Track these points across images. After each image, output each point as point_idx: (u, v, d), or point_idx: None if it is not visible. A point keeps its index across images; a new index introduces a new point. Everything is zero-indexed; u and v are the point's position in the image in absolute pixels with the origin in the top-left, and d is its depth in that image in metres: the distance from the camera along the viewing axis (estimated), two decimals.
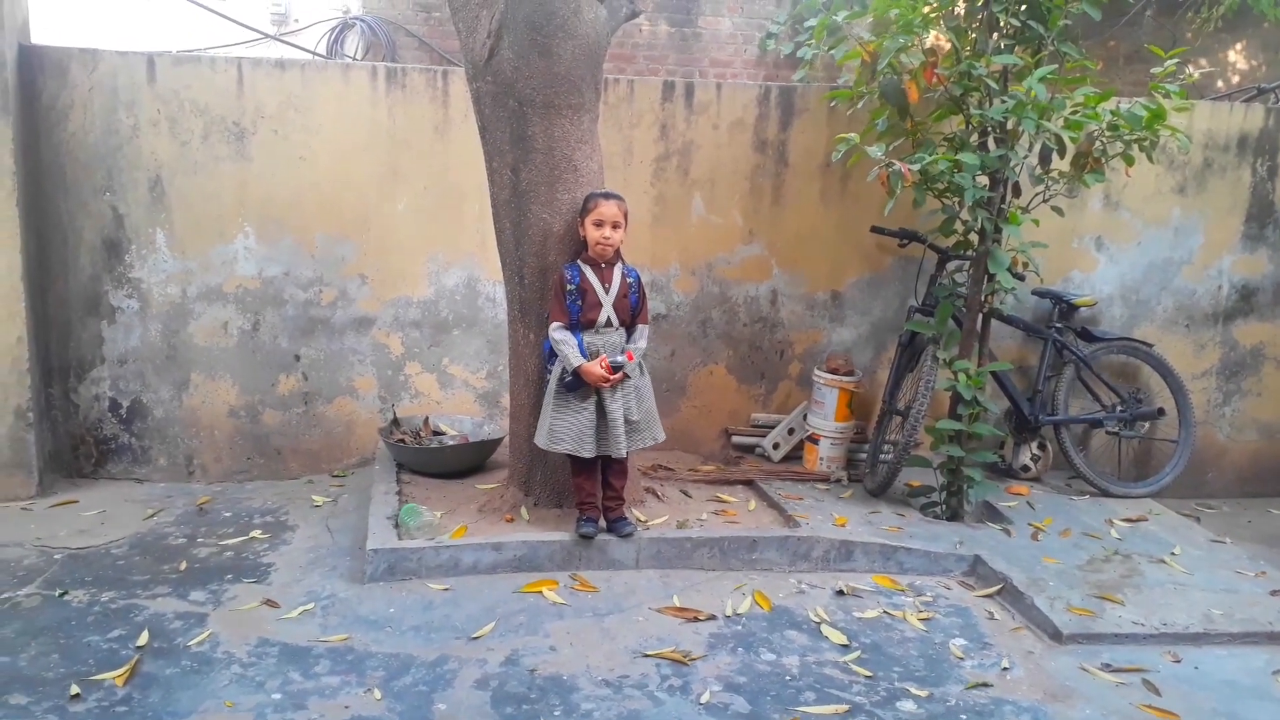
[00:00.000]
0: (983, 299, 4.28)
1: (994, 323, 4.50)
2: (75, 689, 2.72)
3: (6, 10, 4.07)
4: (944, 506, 4.23)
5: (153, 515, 4.12)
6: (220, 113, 4.48)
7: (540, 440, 3.69)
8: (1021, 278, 4.38)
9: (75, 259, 4.46)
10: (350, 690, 2.80)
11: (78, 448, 4.58)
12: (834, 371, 4.74)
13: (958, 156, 3.92)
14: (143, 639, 3.02)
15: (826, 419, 4.71)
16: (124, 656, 2.92)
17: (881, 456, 4.57)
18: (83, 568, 3.55)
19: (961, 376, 4.14)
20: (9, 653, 2.91)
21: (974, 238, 4.22)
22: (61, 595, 3.31)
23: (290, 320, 4.69)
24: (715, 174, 4.90)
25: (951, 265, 4.55)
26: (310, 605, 3.31)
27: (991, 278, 4.18)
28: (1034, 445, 4.85)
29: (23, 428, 4.20)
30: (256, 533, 3.95)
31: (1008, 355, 4.98)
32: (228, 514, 4.19)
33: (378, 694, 2.79)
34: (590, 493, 3.74)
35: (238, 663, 2.92)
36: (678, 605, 3.44)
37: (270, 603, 3.32)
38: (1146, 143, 4.08)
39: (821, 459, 4.74)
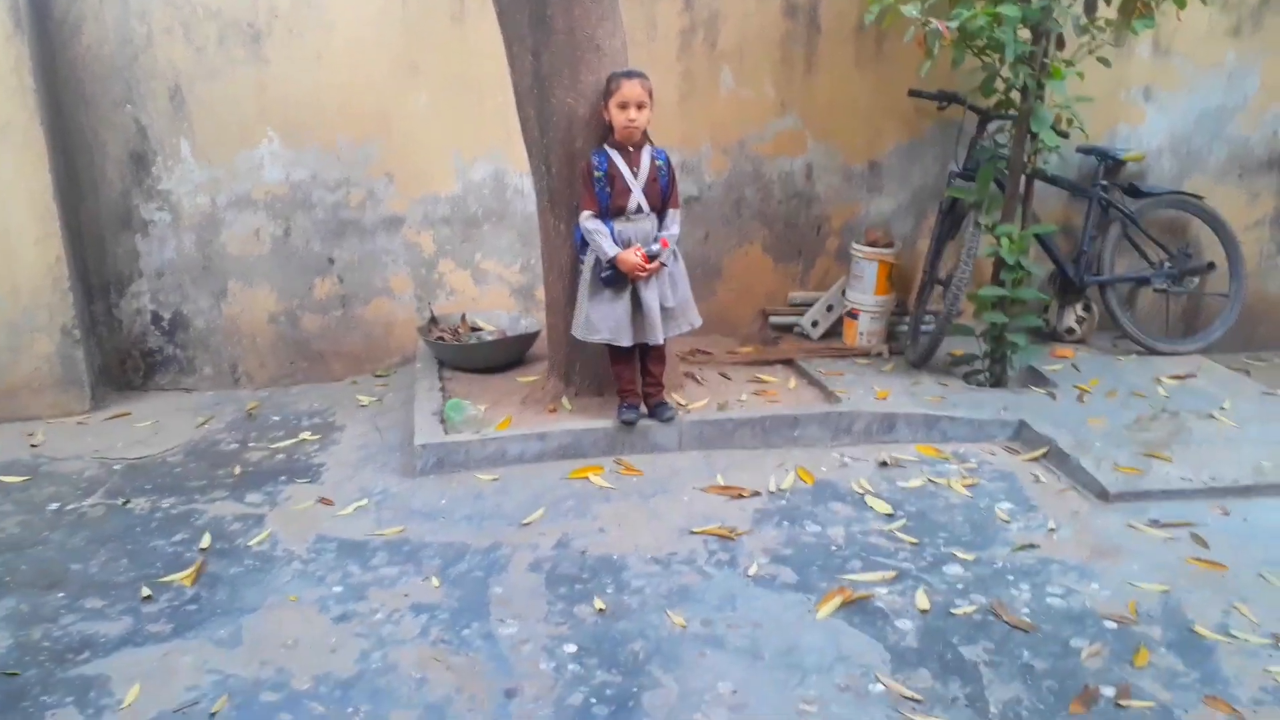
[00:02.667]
0: (1025, 160, 4.14)
1: (1037, 184, 4.37)
2: (146, 591, 2.83)
3: None
4: (987, 374, 4.18)
5: (204, 423, 4.22)
6: (233, 15, 4.36)
7: (577, 331, 3.68)
8: (1066, 135, 4.22)
9: (103, 174, 4.45)
10: (408, 579, 2.89)
11: (125, 361, 4.67)
12: (873, 244, 4.65)
13: (997, 9, 3.72)
14: (205, 541, 3.13)
15: (866, 293, 4.64)
16: (189, 559, 3.03)
17: (923, 328, 4.51)
18: (141, 476, 3.66)
19: (1004, 241, 4.04)
20: (80, 560, 3.04)
21: (1015, 96, 4.05)
22: (124, 504, 3.43)
23: (321, 224, 4.67)
24: (744, 44, 4.71)
25: (992, 126, 4.39)
26: (364, 501, 3.40)
27: (1034, 137, 4.02)
28: (1079, 307, 4.75)
29: (70, 344, 4.28)
30: (306, 434, 4.04)
31: (1051, 216, 4.83)
32: (276, 418, 4.27)
33: (435, 581, 2.87)
34: (630, 380, 3.75)
35: (298, 559, 3.02)
36: (721, 484, 3.47)
37: (325, 500, 3.41)
38: None
39: (861, 334, 4.69)
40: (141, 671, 2.46)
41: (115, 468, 3.74)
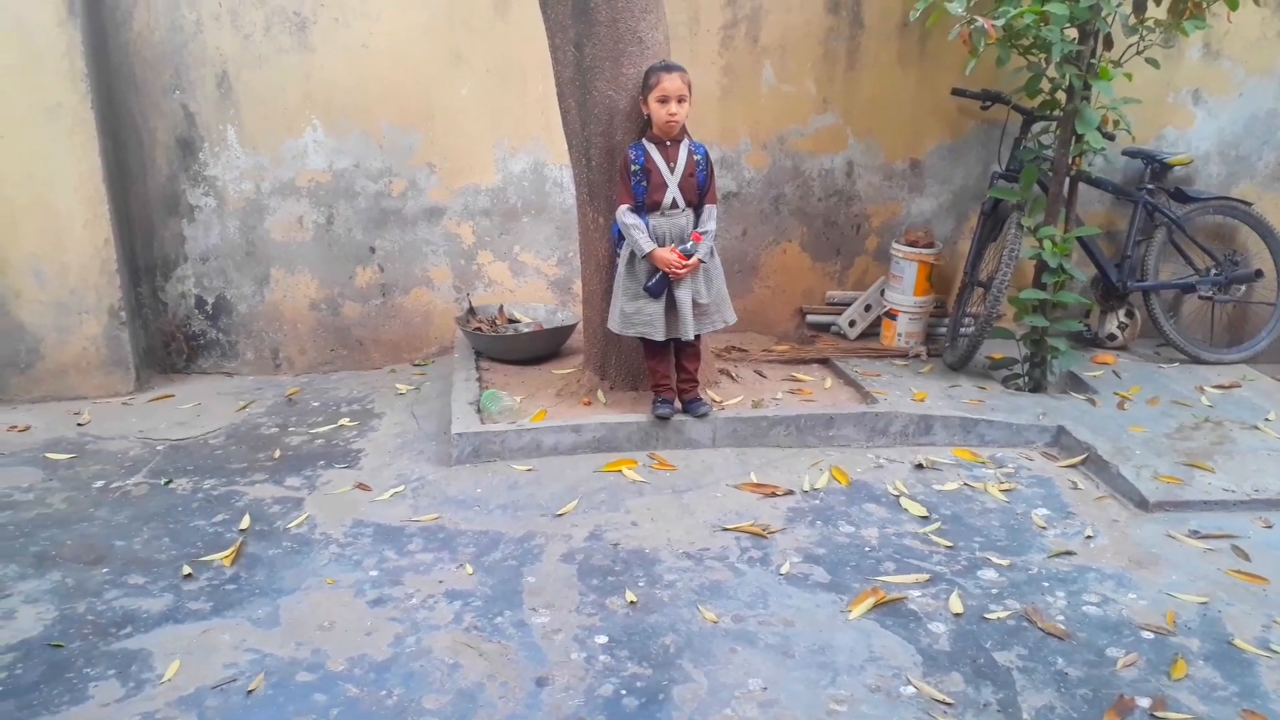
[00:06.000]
0: (1070, 161, 4.09)
1: (1081, 186, 4.31)
2: (187, 569, 2.89)
3: None
4: (1027, 378, 4.14)
5: (245, 407, 4.28)
6: (281, 3, 4.42)
7: (613, 325, 3.70)
8: (1112, 137, 4.16)
9: (151, 159, 4.52)
10: (443, 566, 2.92)
11: (169, 344, 4.75)
12: (913, 244, 4.62)
13: (1044, 8, 3.68)
14: (245, 523, 3.18)
15: (905, 293, 4.61)
16: (229, 539, 3.08)
17: (962, 330, 4.48)
18: (184, 457, 3.73)
19: (1047, 244, 3.99)
20: (124, 537, 3.10)
21: (1061, 96, 4.00)
22: (167, 483, 3.49)
23: (363, 212, 4.72)
24: (786, 40, 4.69)
25: (1037, 127, 4.34)
26: (400, 487, 3.44)
27: (1079, 138, 3.97)
28: (1121, 313, 4.69)
29: (117, 326, 4.36)
30: (345, 421, 4.09)
31: (1095, 220, 4.77)
32: (316, 404, 4.33)
33: (469, 569, 2.90)
34: (664, 375, 3.75)
35: (335, 543, 3.06)
36: (755, 481, 3.47)
37: (362, 486, 3.46)
38: None
39: (899, 335, 4.66)
40: (182, 647, 2.50)
41: (158, 448, 3.81)
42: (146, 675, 2.40)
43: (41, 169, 4.10)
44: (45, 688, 2.35)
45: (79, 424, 4.05)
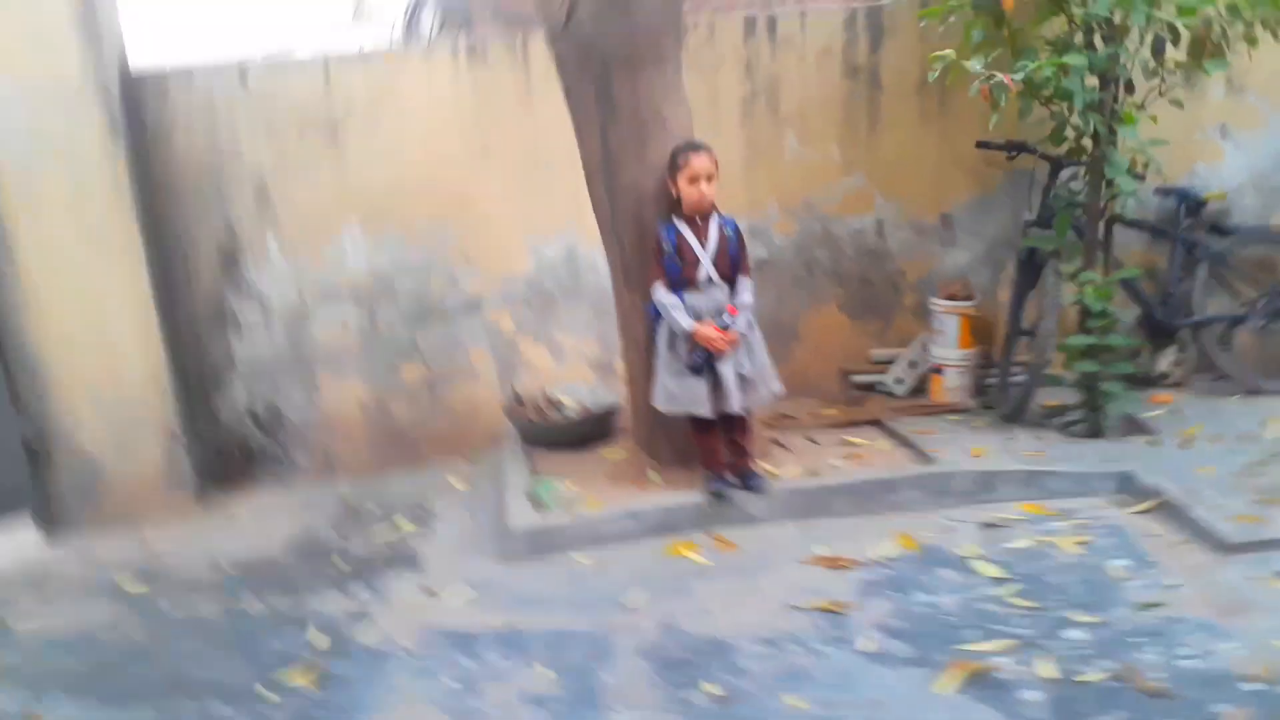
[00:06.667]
0: (1102, 206, 4.09)
1: (1117, 228, 4.29)
2: (273, 695, 2.88)
3: (106, 44, 4.19)
4: (1084, 424, 4.09)
5: (304, 517, 4.31)
6: (313, 112, 4.55)
7: (658, 403, 3.70)
8: (1142, 178, 4.15)
9: (196, 271, 4.63)
10: (519, 671, 2.89)
11: (225, 457, 4.80)
12: (951, 298, 4.61)
13: (1063, 60, 3.72)
14: (318, 640, 3.18)
15: (949, 347, 4.60)
16: (306, 659, 3.07)
17: (1012, 380, 4.44)
18: (251, 575, 3.75)
19: (1088, 289, 3.97)
20: (201, 664, 3.10)
21: (1087, 143, 4.01)
22: (237, 605, 3.50)
23: (404, 310, 4.79)
24: (806, 108, 4.76)
25: (1065, 173, 4.34)
26: (466, 590, 3.43)
27: (1110, 183, 3.97)
28: (1173, 350, 4.64)
29: (175, 445, 4.42)
30: (404, 524, 4.10)
31: (1135, 260, 4.73)
32: (373, 507, 4.35)
33: (544, 671, 2.87)
34: (715, 450, 3.74)
35: (409, 654, 3.04)
36: (821, 555, 3.43)
37: (428, 591, 3.45)
38: (1272, 20, 3.78)
39: (948, 389, 4.63)
40: None
41: (226, 567, 3.83)
42: None
43: (93, 295, 4.21)
44: None
45: (147, 549, 4.09)
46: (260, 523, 4.28)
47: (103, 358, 4.26)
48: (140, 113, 4.42)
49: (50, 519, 4.32)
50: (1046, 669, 2.66)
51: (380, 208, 4.67)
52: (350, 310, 4.76)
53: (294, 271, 4.69)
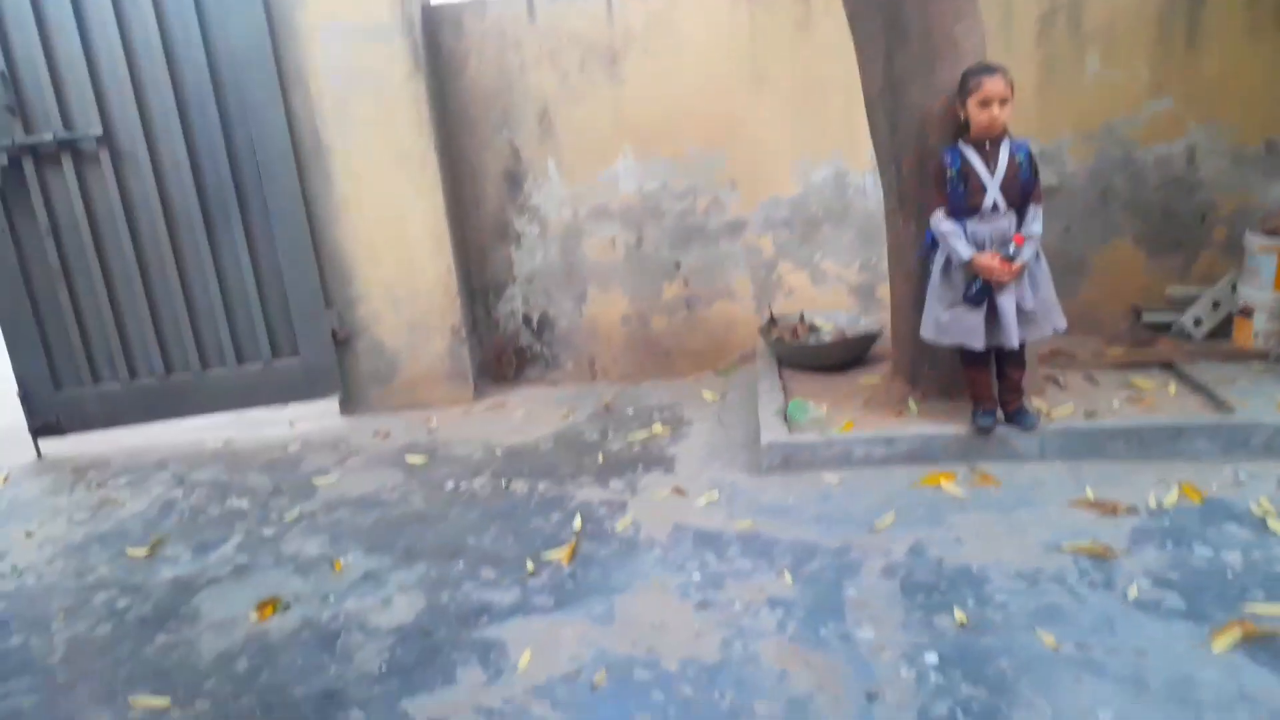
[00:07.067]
0: None
1: None
2: (530, 565, 3.14)
3: None
4: None
5: (568, 415, 4.59)
6: (594, 40, 4.71)
7: (926, 334, 3.57)
8: None
9: (483, 192, 4.98)
10: (762, 574, 2.96)
11: (500, 357, 5.20)
12: (1273, 233, 4.09)
13: None
14: (577, 523, 3.41)
15: (1263, 289, 4.10)
16: (564, 538, 3.31)
17: None
18: (519, 461, 4.06)
19: None
20: (474, 534, 3.42)
21: None
22: (506, 485, 3.81)
23: (669, 231, 4.92)
24: (1113, 23, 4.34)
25: None
26: (714, 494, 3.53)
27: None
28: None
29: (458, 343, 4.84)
30: (658, 427, 4.27)
31: None
32: (630, 411, 4.56)
33: (788, 578, 2.92)
34: (985, 384, 3.58)
35: (659, 545, 3.20)
36: (1091, 498, 3.22)
37: (679, 491, 3.59)
38: None
39: (1256, 334, 4.14)
40: (531, 639, 2.72)
41: (497, 453, 4.18)
42: (503, 663, 2.63)
43: (396, 206, 4.64)
44: (422, 669, 2.64)
45: (429, 430, 4.54)
46: (529, 417, 4.61)
47: (401, 264, 4.71)
48: (438, 43, 4.77)
49: (350, 400, 4.89)
50: None
51: (653, 134, 4.79)
52: (619, 229, 4.95)
53: (570, 193, 4.93)
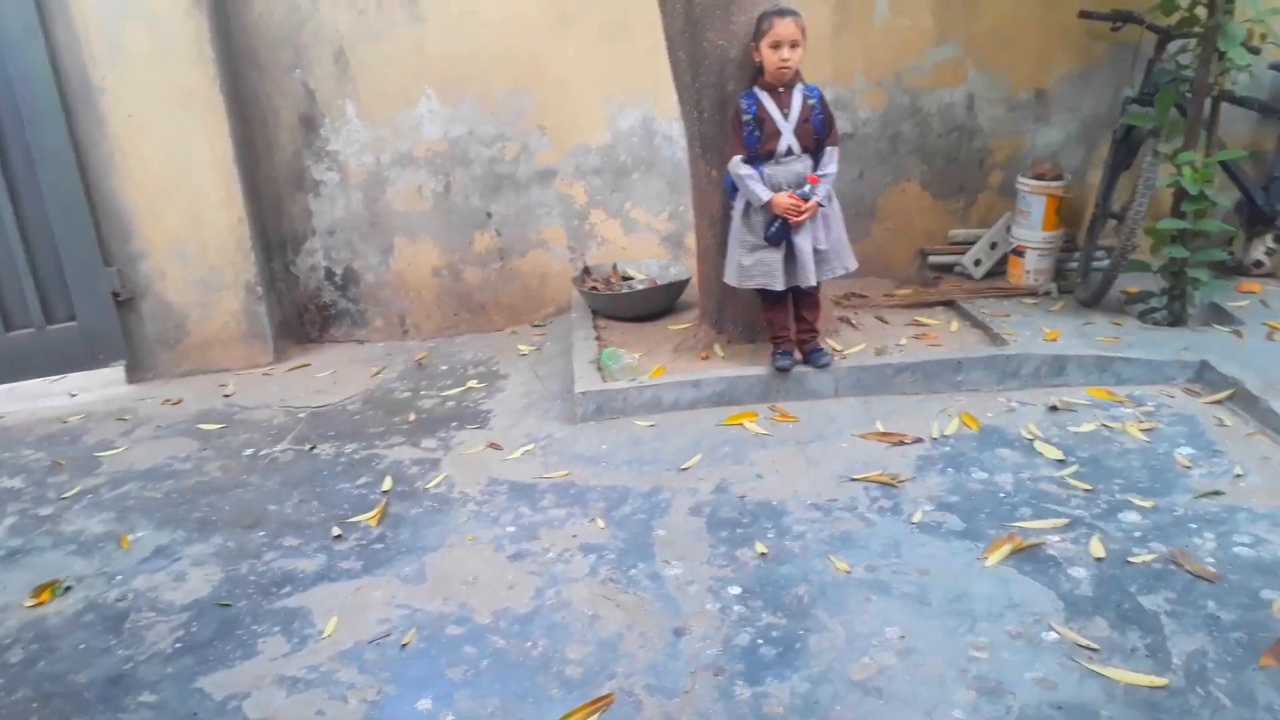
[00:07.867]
0: (1211, 81, 3.83)
1: (1223, 106, 4.03)
2: (336, 530, 3.05)
3: None
4: (1165, 312, 3.95)
5: (378, 373, 4.46)
6: None
7: (730, 278, 3.67)
8: (1257, 51, 3.86)
9: (276, 137, 4.70)
10: (576, 521, 3.00)
11: (302, 315, 4.97)
12: (1040, 177, 4.42)
13: None
14: (387, 484, 3.33)
15: (1033, 229, 4.44)
16: (373, 500, 3.23)
17: (1095, 264, 4.29)
18: (324, 423, 3.91)
19: (1186, 170, 3.77)
20: (276, 501, 3.29)
21: (1200, 11, 3.74)
22: (311, 449, 3.68)
23: (479, 179, 4.81)
24: None
25: (1173, 46, 4.07)
26: (530, 446, 3.53)
27: (1222, 56, 3.71)
28: (1269, 238, 4.40)
29: (254, 300, 4.58)
30: (472, 383, 4.22)
31: (1239, 141, 4.46)
32: (444, 367, 4.47)
33: (601, 523, 2.97)
34: (783, 326, 3.72)
35: (472, 501, 3.18)
36: (881, 430, 3.43)
37: (494, 445, 3.57)
38: None
39: (1028, 272, 4.50)
40: (338, 605, 2.65)
41: (300, 415, 4.01)
42: (308, 631, 2.56)
43: (179, 153, 4.31)
44: (219, 644, 2.53)
45: (225, 395, 4.30)
46: (335, 377, 4.45)
47: (187, 216, 4.39)
48: None
49: (136, 366, 4.55)
50: (1097, 549, 2.66)
51: (458, 75, 4.64)
52: (426, 177, 4.79)
53: (372, 137, 4.72)
